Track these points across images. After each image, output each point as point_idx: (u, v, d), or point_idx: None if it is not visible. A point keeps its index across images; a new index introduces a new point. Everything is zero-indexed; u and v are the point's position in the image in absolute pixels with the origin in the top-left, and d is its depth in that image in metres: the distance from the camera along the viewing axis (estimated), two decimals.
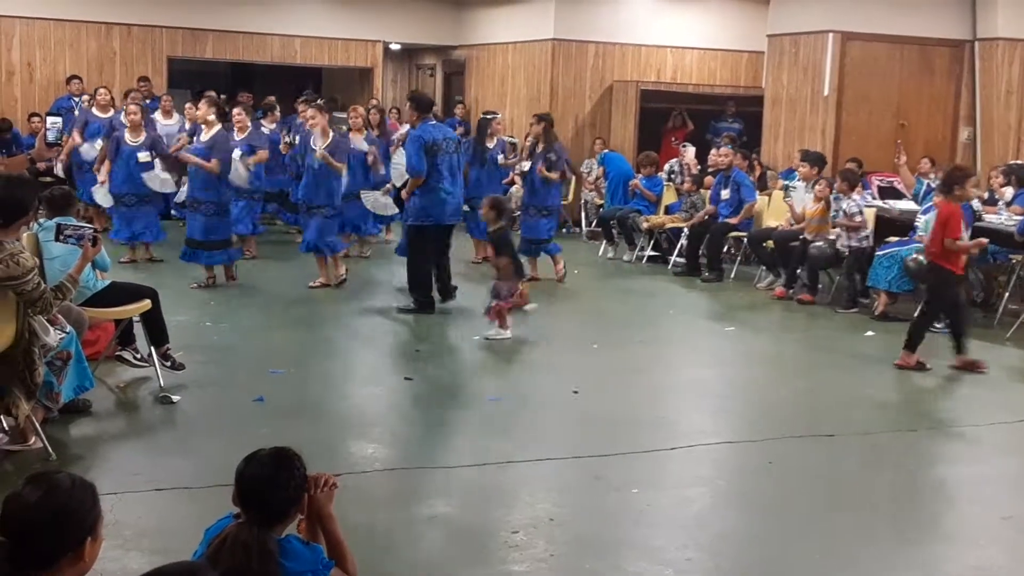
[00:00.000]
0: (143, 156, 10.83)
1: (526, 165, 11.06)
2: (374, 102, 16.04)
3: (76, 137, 12.54)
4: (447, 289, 9.51)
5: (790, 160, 12.94)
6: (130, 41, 16.22)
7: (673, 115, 16.04)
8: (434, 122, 9.39)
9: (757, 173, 12.61)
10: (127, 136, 10.91)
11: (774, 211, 11.70)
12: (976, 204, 10.12)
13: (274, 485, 3.02)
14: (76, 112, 13.58)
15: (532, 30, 16.24)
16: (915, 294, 9.59)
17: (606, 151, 14.49)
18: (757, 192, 11.86)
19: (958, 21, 13.41)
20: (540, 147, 10.85)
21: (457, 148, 9.37)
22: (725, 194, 11.61)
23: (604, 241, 13.11)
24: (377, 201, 11.39)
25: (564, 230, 14.84)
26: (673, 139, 15.63)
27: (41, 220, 6.19)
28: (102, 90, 13.22)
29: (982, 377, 7.83)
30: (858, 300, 10.00)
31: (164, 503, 4.86)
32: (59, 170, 12.82)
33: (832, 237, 10.23)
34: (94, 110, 12.85)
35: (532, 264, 10.84)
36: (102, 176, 11.23)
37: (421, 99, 9.49)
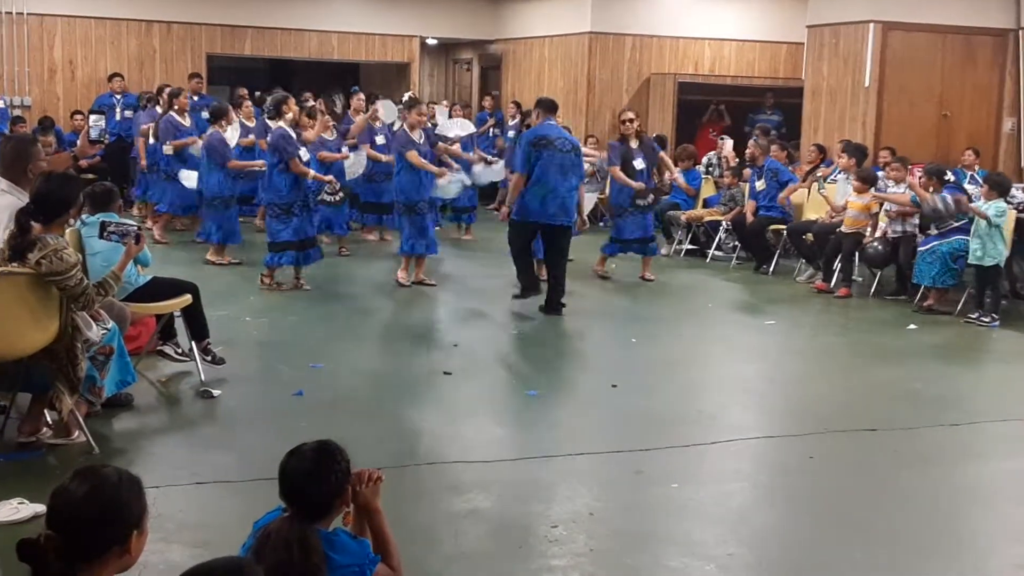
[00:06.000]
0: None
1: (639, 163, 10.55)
2: (408, 95, 16.10)
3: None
4: (553, 301, 8.94)
5: (831, 152, 12.85)
6: (170, 39, 16.38)
7: (711, 109, 15.95)
8: (553, 122, 9.07)
9: (810, 164, 12.51)
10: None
11: (813, 204, 11.61)
12: (1021, 195, 10.01)
13: (316, 478, 3.03)
14: (118, 110, 13.74)
15: (569, 23, 16.22)
16: (958, 288, 9.50)
17: None
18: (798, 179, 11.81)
19: (1001, 10, 13.24)
20: (636, 143, 10.52)
21: (574, 150, 9.02)
22: (760, 185, 11.53)
23: None
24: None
25: (601, 224, 14.81)
26: (711, 131, 15.54)
27: (84, 216, 6.25)
28: (168, 88, 13.20)
29: None
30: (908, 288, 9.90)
31: (205, 496, 4.89)
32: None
33: (869, 231, 10.15)
34: (159, 109, 12.88)
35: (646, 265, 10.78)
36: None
37: (546, 102, 9.28)
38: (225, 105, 11.88)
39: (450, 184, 10.32)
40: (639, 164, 10.53)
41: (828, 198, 10.75)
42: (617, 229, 10.82)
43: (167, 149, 12.00)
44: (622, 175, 10.49)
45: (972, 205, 9.16)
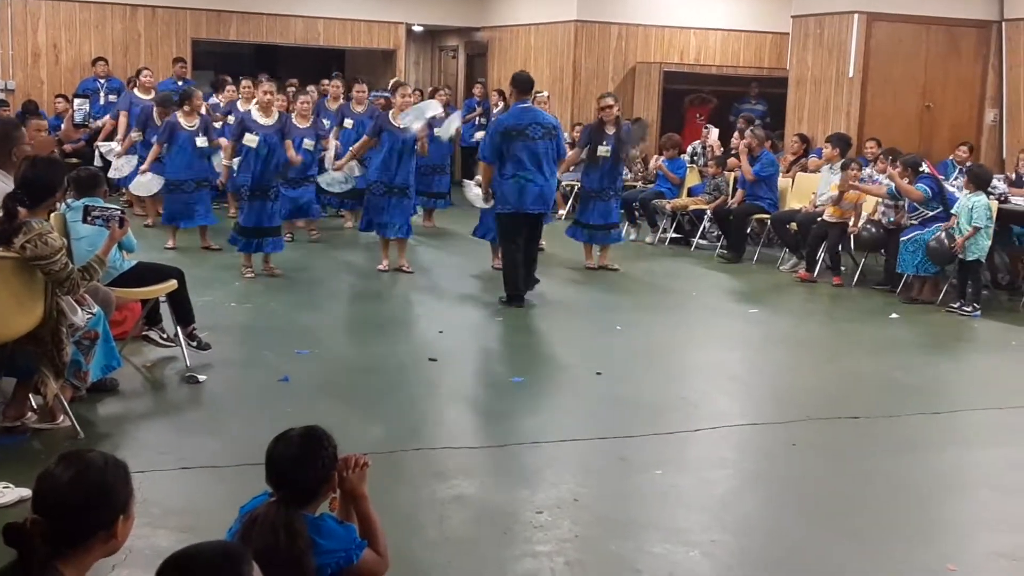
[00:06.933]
0: (200, 141, 10.67)
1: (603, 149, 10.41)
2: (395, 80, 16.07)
3: (122, 121, 12.52)
4: (525, 279, 9.00)
5: (815, 142, 12.90)
6: (155, 23, 16.28)
7: (695, 94, 15.98)
8: (525, 105, 8.91)
9: (793, 154, 12.58)
10: (182, 121, 10.69)
11: (797, 193, 11.65)
12: (1002, 186, 10.07)
13: (303, 464, 3.04)
14: (102, 94, 13.66)
15: (555, 11, 16.20)
16: (940, 276, 9.56)
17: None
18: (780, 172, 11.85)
19: (984, 1, 13.29)
20: (613, 130, 10.39)
21: (548, 134, 8.82)
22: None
23: (627, 223, 13.07)
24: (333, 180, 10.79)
25: None
26: (697, 115, 15.55)
27: (69, 201, 6.23)
28: (146, 71, 13.28)
29: (1008, 359, 7.81)
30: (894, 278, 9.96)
31: (191, 482, 4.90)
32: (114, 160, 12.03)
33: (852, 220, 10.19)
34: (137, 92, 12.88)
35: (589, 252, 10.68)
36: (145, 166, 11.05)
37: (520, 79, 8.99)
38: (192, 90, 11.42)
39: (335, 180, 10.17)
40: (603, 150, 10.38)
41: (845, 189, 10.52)
42: (580, 211, 10.80)
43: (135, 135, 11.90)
44: (568, 158, 10.26)
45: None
